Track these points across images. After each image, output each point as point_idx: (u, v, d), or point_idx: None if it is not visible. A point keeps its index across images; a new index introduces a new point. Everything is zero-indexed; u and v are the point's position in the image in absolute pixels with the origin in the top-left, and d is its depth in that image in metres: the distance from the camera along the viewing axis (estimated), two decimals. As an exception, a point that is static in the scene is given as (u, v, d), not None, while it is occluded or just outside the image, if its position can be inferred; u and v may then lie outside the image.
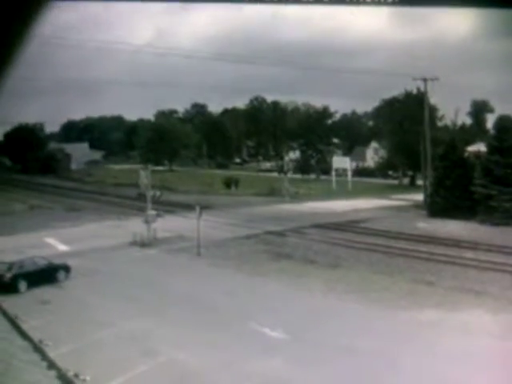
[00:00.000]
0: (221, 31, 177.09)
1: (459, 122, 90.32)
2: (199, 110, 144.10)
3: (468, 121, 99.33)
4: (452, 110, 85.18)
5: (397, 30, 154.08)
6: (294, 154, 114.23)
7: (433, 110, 74.56)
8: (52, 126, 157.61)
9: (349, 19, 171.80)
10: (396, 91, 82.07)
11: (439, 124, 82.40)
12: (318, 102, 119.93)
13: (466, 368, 19.81)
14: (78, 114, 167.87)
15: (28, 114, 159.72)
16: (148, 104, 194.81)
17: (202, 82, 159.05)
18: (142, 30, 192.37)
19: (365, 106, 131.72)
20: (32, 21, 2.42)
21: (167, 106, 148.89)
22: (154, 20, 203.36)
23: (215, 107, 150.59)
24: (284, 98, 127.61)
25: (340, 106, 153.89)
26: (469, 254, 37.44)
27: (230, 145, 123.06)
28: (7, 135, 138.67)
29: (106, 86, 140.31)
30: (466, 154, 62.68)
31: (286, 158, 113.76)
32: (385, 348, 22.03)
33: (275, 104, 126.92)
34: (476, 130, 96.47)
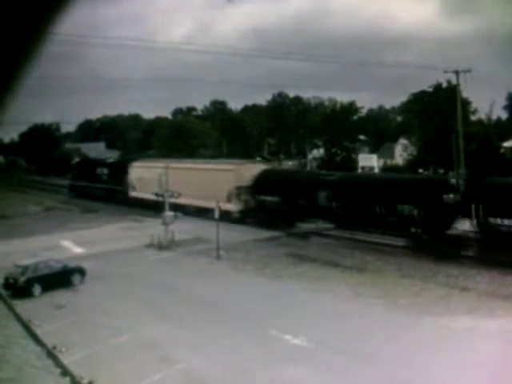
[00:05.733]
0: (256, 27, 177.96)
1: (494, 117, 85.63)
2: (218, 106, 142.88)
3: (504, 115, 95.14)
4: (487, 104, 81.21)
5: (442, 22, 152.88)
6: (318, 152, 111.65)
7: (465, 103, 71.80)
8: (68, 126, 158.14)
9: (392, 10, 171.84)
10: (428, 84, 79.20)
11: (472, 118, 78.75)
12: (343, 97, 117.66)
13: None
14: (95, 113, 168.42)
15: (45, 114, 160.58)
16: (169, 101, 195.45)
17: (225, 78, 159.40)
18: (172, 27, 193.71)
19: (393, 100, 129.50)
20: (53, 17, 2.29)
21: (188, 103, 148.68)
22: (186, 16, 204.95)
23: (235, 104, 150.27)
24: (308, 94, 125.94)
25: (368, 101, 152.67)
26: None
27: (251, 143, 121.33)
28: (23, 135, 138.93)
29: (126, 84, 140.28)
30: (502, 150, 61.10)
31: (309, 156, 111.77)
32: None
33: (297, 99, 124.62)
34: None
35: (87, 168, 79.61)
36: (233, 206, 49.59)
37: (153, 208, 52.20)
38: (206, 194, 48.64)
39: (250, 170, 51.70)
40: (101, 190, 72.02)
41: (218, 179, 51.36)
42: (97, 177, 74.20)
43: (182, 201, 47.64)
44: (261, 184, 49.11)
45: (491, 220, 34.48)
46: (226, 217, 43.98)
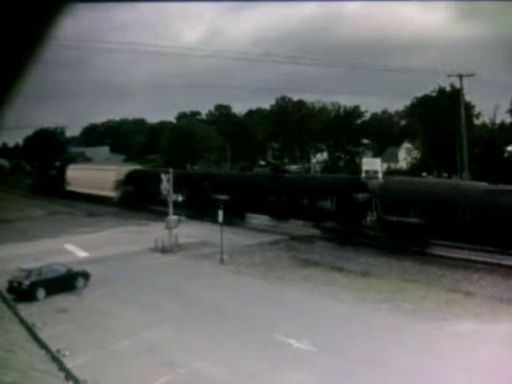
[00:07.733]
0: (264, 32, 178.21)
1: (498, 120, 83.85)
2: (223, 111, 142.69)
3: (508, 119, 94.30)
4: (491, 108, 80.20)
5: (451, 27, 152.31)
6: (322, 156, 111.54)
7: (469, 107, 71.28)
8: (73, 130, 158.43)
9: (404, 16, 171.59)
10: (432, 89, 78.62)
11: (476, 122, 78.54)
12: (349, 101, 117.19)
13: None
14: (100, 118, 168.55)
15: (50, 118, 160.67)
16: (173, 106, 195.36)
17: (230, 83, 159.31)
18: (182, 33, 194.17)
19: (398, 104, 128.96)
20: (53, 23, 2.28)
21: (192, 107, 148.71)
22: (195, 22, 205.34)
23: (239, 108, 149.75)
24: (313, 98, 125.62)
25: (372, 105, 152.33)
26: None
27: (255, 147, 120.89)
28: (27, 139, 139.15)
29: (132, 89, 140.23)
30: (506, 155, 60.89)
31: (313, 160, 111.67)
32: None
33: (301, 103, 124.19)
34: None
35: (43, 170, 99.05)
36: (114, 194, 71.97)
37: (80, 198, 77.36)
38: (99, 186, 73.33)
39: (125, 169, 72.90)
40: (50, 186, 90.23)
41: (106, 176, 73.67)
42: (49, 176, 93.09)
43: (83, 190, 77.35)
44: (128, 179, 71.89)
45: (215, 195, 54.37)
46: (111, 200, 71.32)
